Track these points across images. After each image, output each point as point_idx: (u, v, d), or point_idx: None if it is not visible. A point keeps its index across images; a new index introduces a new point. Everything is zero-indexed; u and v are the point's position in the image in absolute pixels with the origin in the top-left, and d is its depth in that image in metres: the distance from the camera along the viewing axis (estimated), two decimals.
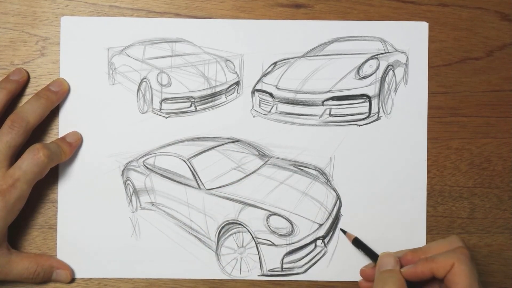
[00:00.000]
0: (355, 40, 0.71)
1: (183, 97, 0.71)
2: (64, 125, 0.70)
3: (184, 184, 0.70)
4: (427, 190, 0.71)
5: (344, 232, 0.69)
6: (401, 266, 0.62)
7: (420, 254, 0.62)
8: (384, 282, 0.61)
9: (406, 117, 0.71)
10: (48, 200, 0.70)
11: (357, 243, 0.68)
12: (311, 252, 0.70)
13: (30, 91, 0.70)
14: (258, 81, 0.71)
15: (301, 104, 0.71)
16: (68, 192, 0.70)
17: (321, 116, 0.71)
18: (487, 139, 0.71)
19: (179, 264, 0.70)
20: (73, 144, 0.69)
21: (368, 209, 0.70)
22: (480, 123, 0.71)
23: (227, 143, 0.71)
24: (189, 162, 0.70)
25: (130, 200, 0.70)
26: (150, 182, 0.71)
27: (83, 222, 0.70)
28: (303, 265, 0.70)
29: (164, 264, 0.70)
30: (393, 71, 0.71)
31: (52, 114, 0.69)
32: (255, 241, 0.69)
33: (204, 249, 0.70)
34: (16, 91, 0.69)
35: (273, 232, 0.69)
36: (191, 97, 0.71)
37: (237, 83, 0.71)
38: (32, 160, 0.65)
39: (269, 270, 0.69)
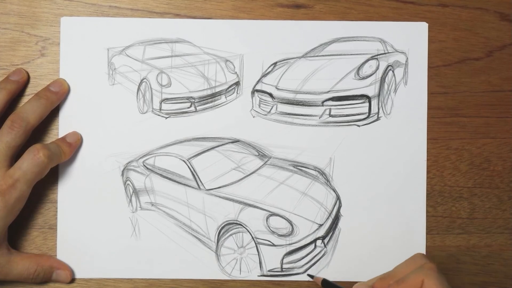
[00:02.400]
0: (354, 40, 0.71)
1: (183, 97, 0.71)
2: (64, 125, 0.70)
3: (184, 184, 0.70)
4: (427, 190, 0.71)
5: (311, 276, 0.69)
6: None
7: (389, 280, 0.62)
8: None
9: (406, 117, 0.71)
10: (48, 200, 0.70)
11: (327, 284, 0.67)
12: (311, 252, 0.70)
13: (30, 91, 0.70)
14: (258, 82, 0.71)
15: (301, 105, 0.71)
16: (68, 192, 0.70)
17: (321, 116, 0.71)
18: (487, 139, 0.71)
19: (179, 264, 0.70)
20: (73, 145, 0.69)
21: (368, 209, 0.70)
22: (480, 123, 0.71)
23: (227, 143, 0.71)
24: (189, 162, 0.70)
25: (130, 200, 0.70)
26: (150, 182, 0.71)
27: (83, 222, 0.70)
28: (303, 265, 0.70)
29: (164, 264, 0.70)
30: (393, 71, 0.71)
31: (52, 114, 0.69)
32: (255, 241, 0.69)
33: (204, 249, 0.70)
34: (16, 92, 0.69)
35: (273, 232, 0.69)
36: (191, 97, 0.71)
37: (237, 84, 0.71)
38: (32, 161, 0.65)
39: (269, 270, 0.70)
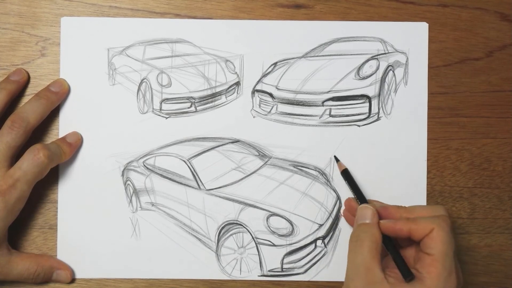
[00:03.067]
0: (355, 40, 0.71)
1: (183, 97, 0.71)
2: (64, 126, 0.70)
3: (184, 184, 0.70)
4: (427, 190, 0.71)
5: (337, 160, 0.70)
6: (382, 218, 0.63)
7: (403, 212, 0.63)
8: (358, 236, 0.61)
9: (406, 117, 0.71)
10: (48, 200, 0.70)
11: (346, 176, 0.68)
12: (311, 252, 0.70)
13: (30, 91, 0.70)
14: (258, 82, 0.71)
15: (301, 105, 0.71)
16: (68, 192, 0.70)
17: (321, 116, 0.71)
18: (487, 139, 0.71)
19: (179, 264, 0.70)
20: (73, 145, 0.69)
21: None
22: (480, 123, 0.71)
23: (227, 143, 0.71)
24: (189, 162, 0.70)
25: (130, 201, 0.70)
26: (150, 182, 0.71)
27: (83, 222, 0.70)
28: (303, 265, 0.70)
29: (164, 264, 0.70)
30: (393, 71, 0.71)
31: (52, 115, 0.69)
32: (255, 242, 0.69)
33: (204, 249, 0.70)
34: (16, 92, 0.69)
35: (273, 233, 0.69)
36: (191, 97, 0.71)
37: (237, 84, 0.71)
38: (32, 161, 0.65)
39: (269, 271, 0.70)
